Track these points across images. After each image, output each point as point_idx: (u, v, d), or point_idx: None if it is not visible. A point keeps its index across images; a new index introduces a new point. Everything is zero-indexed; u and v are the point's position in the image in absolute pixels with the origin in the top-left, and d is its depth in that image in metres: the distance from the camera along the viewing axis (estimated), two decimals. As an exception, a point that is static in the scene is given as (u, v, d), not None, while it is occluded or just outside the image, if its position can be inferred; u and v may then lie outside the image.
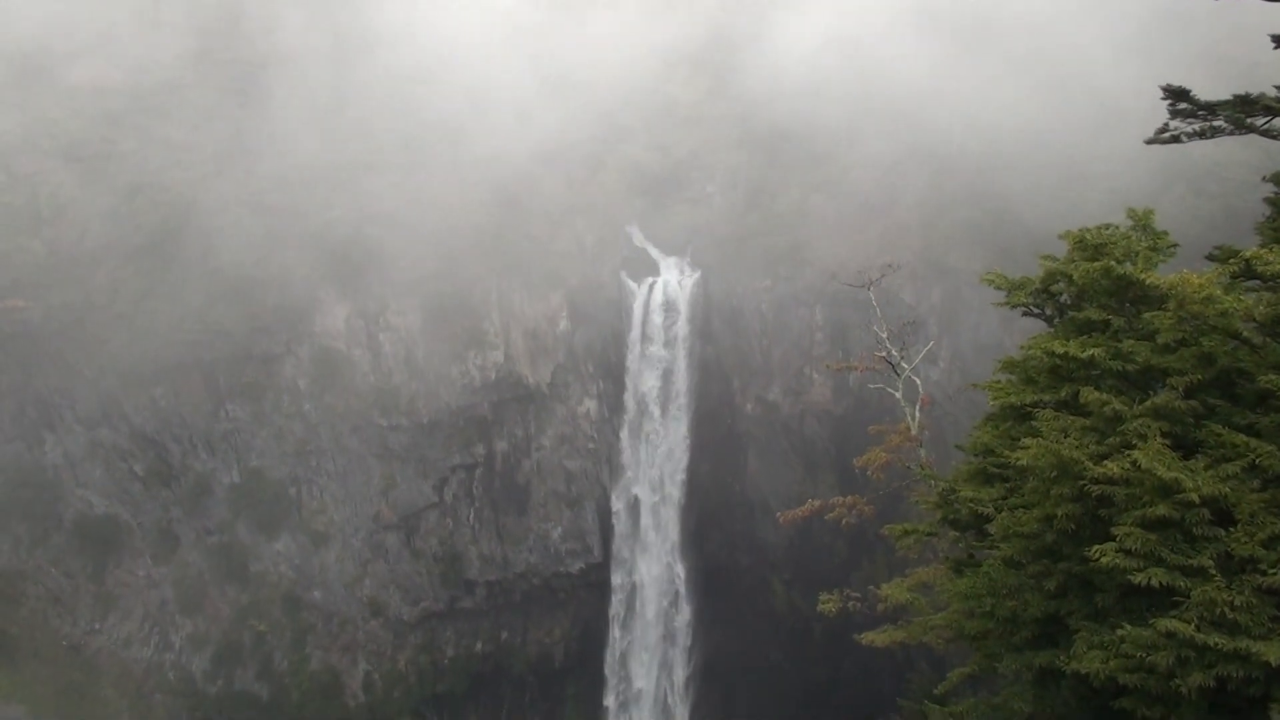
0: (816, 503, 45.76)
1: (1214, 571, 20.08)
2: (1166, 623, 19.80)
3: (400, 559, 76.33)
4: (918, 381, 45.27)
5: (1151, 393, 24.09)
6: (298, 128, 76.33)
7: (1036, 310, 30.68)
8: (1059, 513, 22.73)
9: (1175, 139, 29.17)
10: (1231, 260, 24.72)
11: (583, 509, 76.19)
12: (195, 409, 73.68)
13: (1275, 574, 19.63)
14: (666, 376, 74.38)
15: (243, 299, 72.05)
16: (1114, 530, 21.14)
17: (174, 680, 74.35)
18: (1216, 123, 28.40)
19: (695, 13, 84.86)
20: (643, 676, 76.40)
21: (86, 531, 74.17)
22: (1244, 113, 27.72)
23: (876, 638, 34.95)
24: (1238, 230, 35.15)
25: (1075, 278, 27.45)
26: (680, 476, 74.91)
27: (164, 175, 74.49)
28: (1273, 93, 27.41)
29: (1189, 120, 28.63)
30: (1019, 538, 24.05)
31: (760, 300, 72.81)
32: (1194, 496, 20.47)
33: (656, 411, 74.79)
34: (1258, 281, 24.41)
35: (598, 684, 77.02)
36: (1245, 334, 23.54)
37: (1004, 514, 24.78)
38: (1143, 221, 29.26)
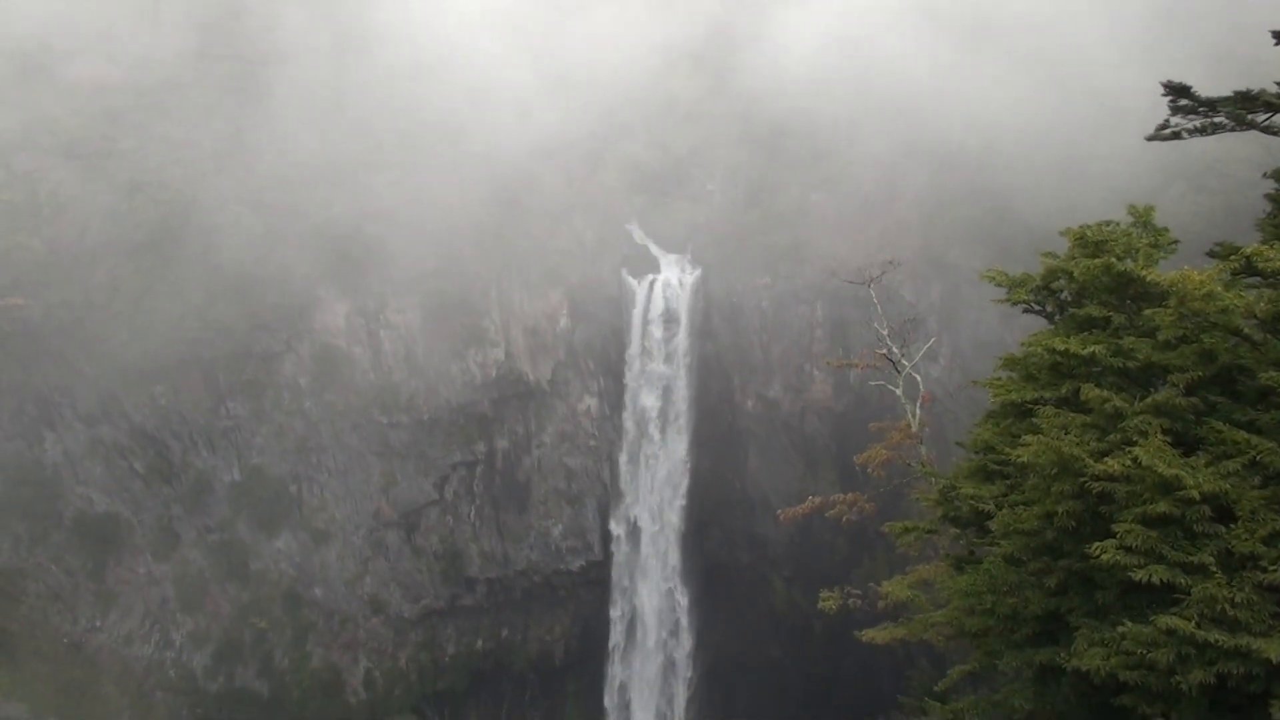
0: (817, 500, 45.81)
1: (1214, 568, 20.10)
2: (1167, 620, 19.81)
3: (401, 556, 76.34)
4: (918, 378, 45.30)
5: (1152, 390, 24.11)
6: (297, 125, 76.26)
7: (1037, 307, 30.69)
8: (1059, 510, 22.73)
9: (1176, 136, 29.17)
10: (1232, 257, 24.71)
11: (583, 506, 76.20)
12: (195, 406, 73.66)
13: (1276, 571, 19.64)
14: (666, 394, 74.28)
15: (243, 296, 72.00)
16: (1114, 527, 21.16)
17: (175, 678, 74.38)
18: (1217, 119, 28.41)
19: (696, 10, 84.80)
20: (641, 710, 76.43)
21: (87, 529, 74.17)
22: (1244, 109, 27.71)
23: (877, 635, 34.97)
24: (1238, 227, 35.08)
25: (1076, 275, 27.45)
26: (680, 502, 74.76)
27: (164, 173, 74.40)
28: (1273, 89, 27.39)
29: (1190, 117, 28.63)
30: (1019, 535, 24.05)
31: (760, 297, 72.79)
32: (1194, 493, 20.48)
33: (657, 435, 74.75)
34: (1258, 278, 24.42)
35: (598, 681, 77.05)
36: (1246, 331, 23.54)
37: (1004, 511, 24.79)
38: (1143, 218, 29.27)
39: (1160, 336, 24.09)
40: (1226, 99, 27.87)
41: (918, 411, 43.39)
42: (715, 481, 75.43)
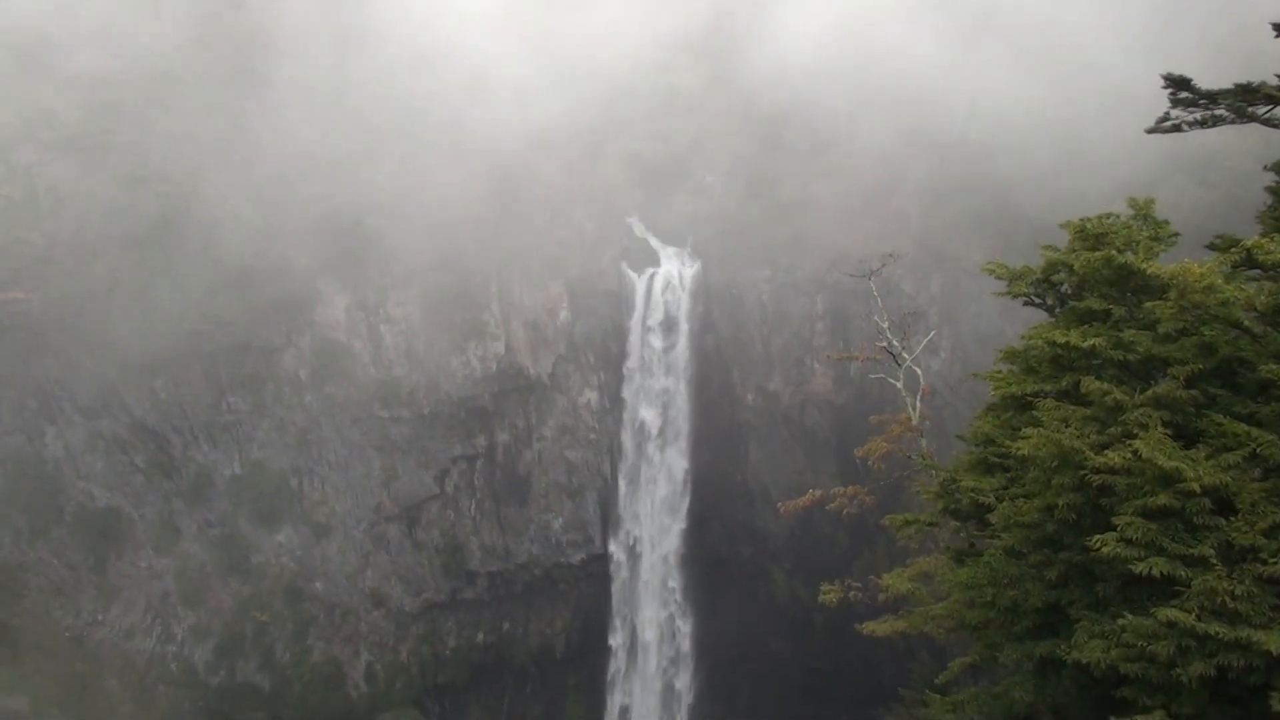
0: (817, 493, 45.94)
1: (1215, 561, 20.11)
2: (1167, 612, 19.82)
3: (402, 550, 76.42)
4: (918, 371, 45.33)
5: (1152, 382, 24.10)
6: (297, 118, 76.18)
7: (1037, 300, 30.67)
8: (1060, 502, 22.75)
9: (1176, 128, 29.15)
10: (1232, 249, 24.71)
11: (584, 499, 76.25)
12: (196, 400, 73.68)
13: (1276, 563, 19.65)
14: (665, 410, 74.29)
15: (243, 290, 71.97)
16: (1115, 520, 21.16)
17: (176, 671, 74.46)
18: (1218, 112, 28.38)
19: (696, 1, 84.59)
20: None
21: (88, 523, 74.22)
22: (1245, 101, 27.70)
23: (878, 627, 35.05)
24: (1239, 219, 35.06)
25: (1076, 267, 27.44)
26: (680, 526, 74.76)
27: (164, 166, 74.30)
28: (1274, 81, 27.37)
29: (1190, 109, 28.61)
30: (1020, 527, 24.08)
31: (761, 290, 72.80)
32: (1195, 486, 20.49)
33: (656, 455, 74.74)
34: (1259, 271, 24.40)
35: (599, 675, 77.13)
36: (1246, 323, 23.54)
37: (1005, 504, 24.81)
38: (1144, 211, 29.25)
39: (1160, 329, 24.08)
40: (1227, 91, 27.85)
41: (918, 404, 43.44)
42: (715, 475, 75.44)
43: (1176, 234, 28.99)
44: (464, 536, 76.60)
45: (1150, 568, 20.33)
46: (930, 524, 32.22)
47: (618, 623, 76.50)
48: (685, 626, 75.59)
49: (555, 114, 77.34)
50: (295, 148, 74.92)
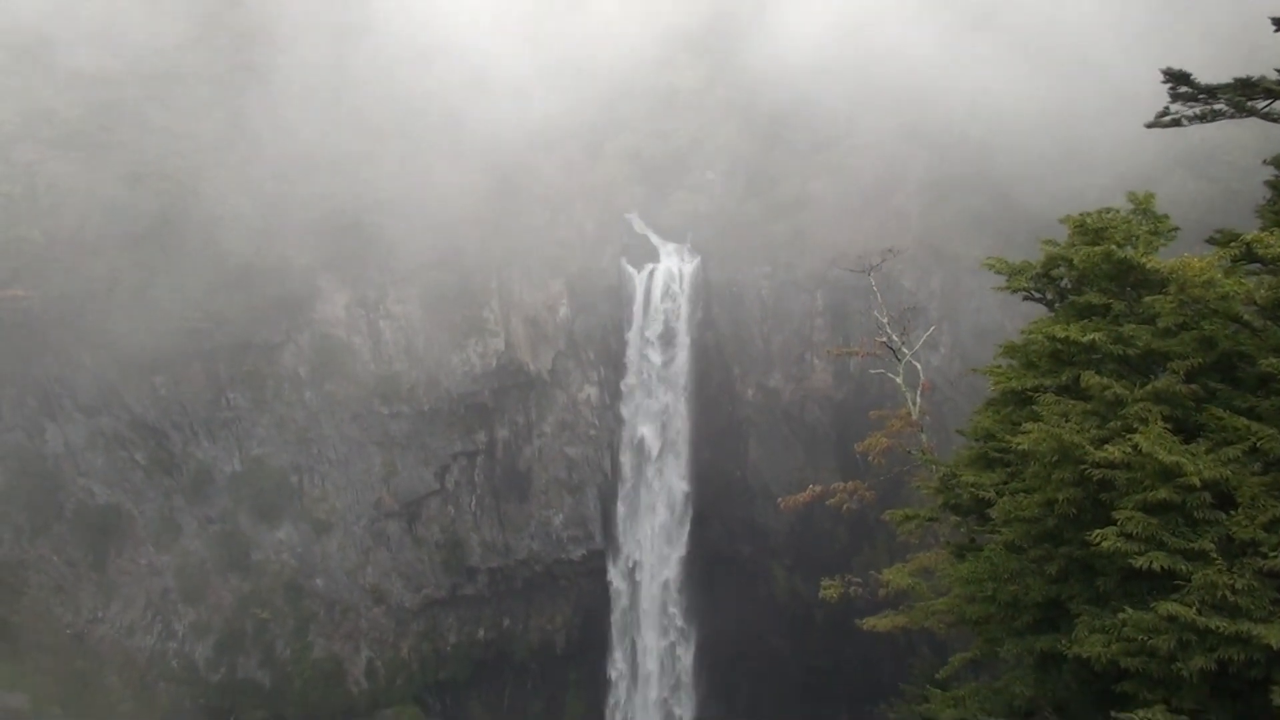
0: (817, 488, 45.89)
1: (1215, 555, 20.11)
2: (1168, 606, 19.83)
3: (402, 546, 76.44)
4: (918, 367, 45.31)
5: (1152, 377, 24.10)
6: (297, 115, 76.19)
7: (1037, 295, 30.68)
8: (1060, 497, 22.75)
9: (1176, 123, 29.16)
10: (1232, 244, 24.70)
11: (584, 495, 76.27)
12: (196, 397, 73.67)
13: (1276, 557, 19.66)
14: (665, 429, 74.21)
15: (243, 287, 71.98)
16: (1115, 514, 21.17)
17: (177, 668, 74.47)
18: (1217, 106, 28.39)
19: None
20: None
21: (88, 520, 74.20)
22: (1245, 96, 27.70)
23: (878, 623, 35.08)
24: (1239, 213, 35.07)
25: (1076, 262, 27.44)
26: (679, 553, 74.72)
27: (164, 164, 74.29)
28: (1273, 75, 27.37)
29: (1190, 104, 28.61)
30: (1020, 522, 24.08)
31: (761, 286, 72.80)
32: (1195, 480, 20.49)
33: (655, 480, 74.67)
34: (1258, 265, 24.41)
35: (600, 671, 77.16)
36: (1246, 317, 23.54)
37: (1005, 499, 24.82)
38: (1143, 205, 29.24)
39: (1160, 323, 24.08)
40: (1227, 86, 27.85)
41: (918, 399, 43.44)
42: (715, 471, 75.46)
43: (1176, 229, 28.99)
44: (464, 533, 76.63)
45: (1150, 562, 20.34)
46: (930, 519, 32.25)
47: (618, 655, 76.47)
48: (686, 657, 75.41)
49: (555, 112, 77.36)
50: (295, 146, 74.94)
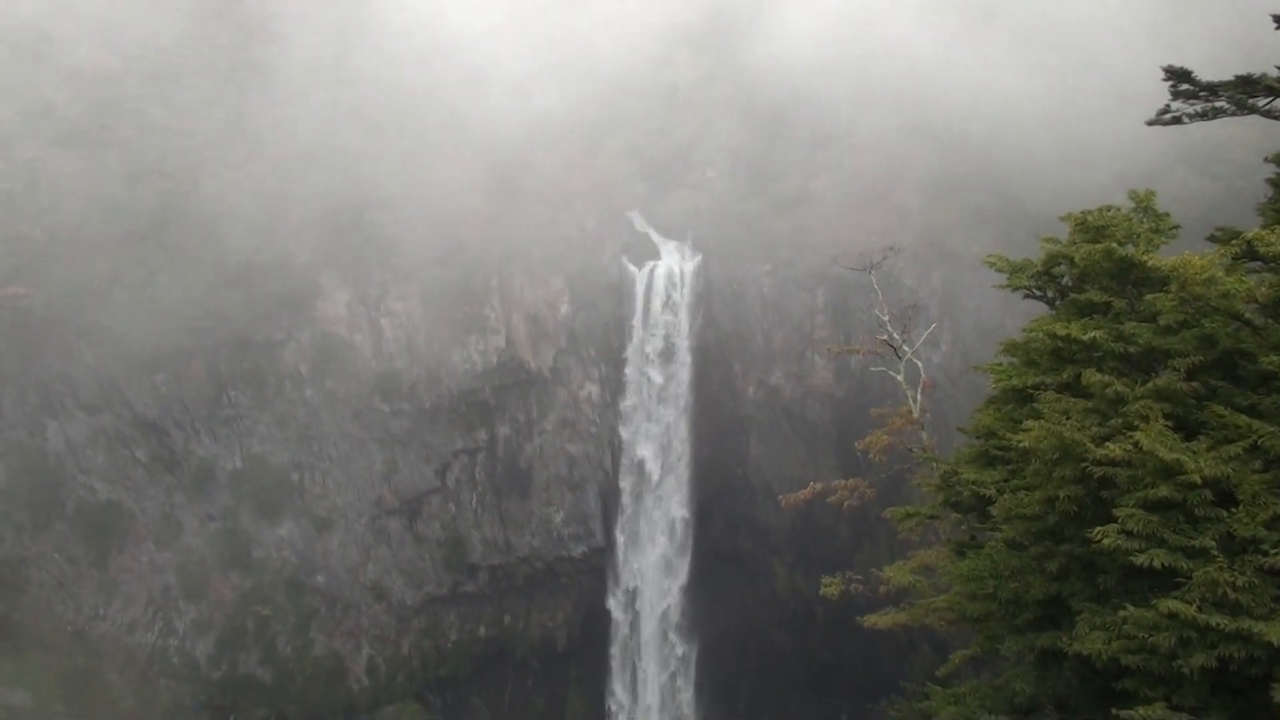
0: (818, 486, 45.94)
1: (1216, 552, 20.11)
2: (1168, 604, 19.83)
3: (403, 544, 76.48)
4: (919, 364, 45.34)
5: (1153, 374, 24.08)
6: (297, 112, 76.20)
7: (1038, 293, 30.67)
8: (1061, 495, 22.74)
9: (1177, 120, 29.16)
10: (1233, 241, 24.68)
11: (584, 493, 76.30)
12: (197, 395, 73.70)
13: (1277, 555, 19.66)
14: (665, 453, 74.16)
15: (244, 285, 72.02)
16: (1116, 512, 21.16)
17: (178, 665, 74.50)
18: (1218, 104, 28.40)
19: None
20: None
21: (89, 518, 74.22)
22: (1246, 93, 27.70)
23: (879, 620, 35.14)
24: (1239, 211, 35.08)
25: (1077, 260, 27.43)
26: (680, 582, 74.73)
27: (164, 161, 74.34)
28: (1274, 73, 27.36)
29: (1191, 101, 28.62)
30: (1021, 520, 24.08)
31: (762, 284, 72.80)
32: (1196, 478, 20.49)
33: (654, 507, 74.57)
34: (1259, 263, 24.38)
35: (601, 667, 77.20)
36: (1247, 315, 23.52)
37: (1006, 496, 24.81)
38: (1144, 203, 29.22)
39: (1161, 321, 24.07)
40: (1228, 83, 27.85)
41: (919, 397, 43.45)
42: (717, 469, 75.49)
43: (1177, 226, 28.96)
44: (465, 530, 76.67)
45: (1151, 559, 20.34)
46: (931, 517, 32.27)
47: (617, 687, 76.44)
48: (688, 690, 75.31)
49: (556, 109, 77.35)
50: (295, 143, 74.97)
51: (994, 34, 70.28)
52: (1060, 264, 29.10)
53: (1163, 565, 20.30)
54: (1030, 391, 26.44)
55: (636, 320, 73.67)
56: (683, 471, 74.24)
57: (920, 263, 66.69)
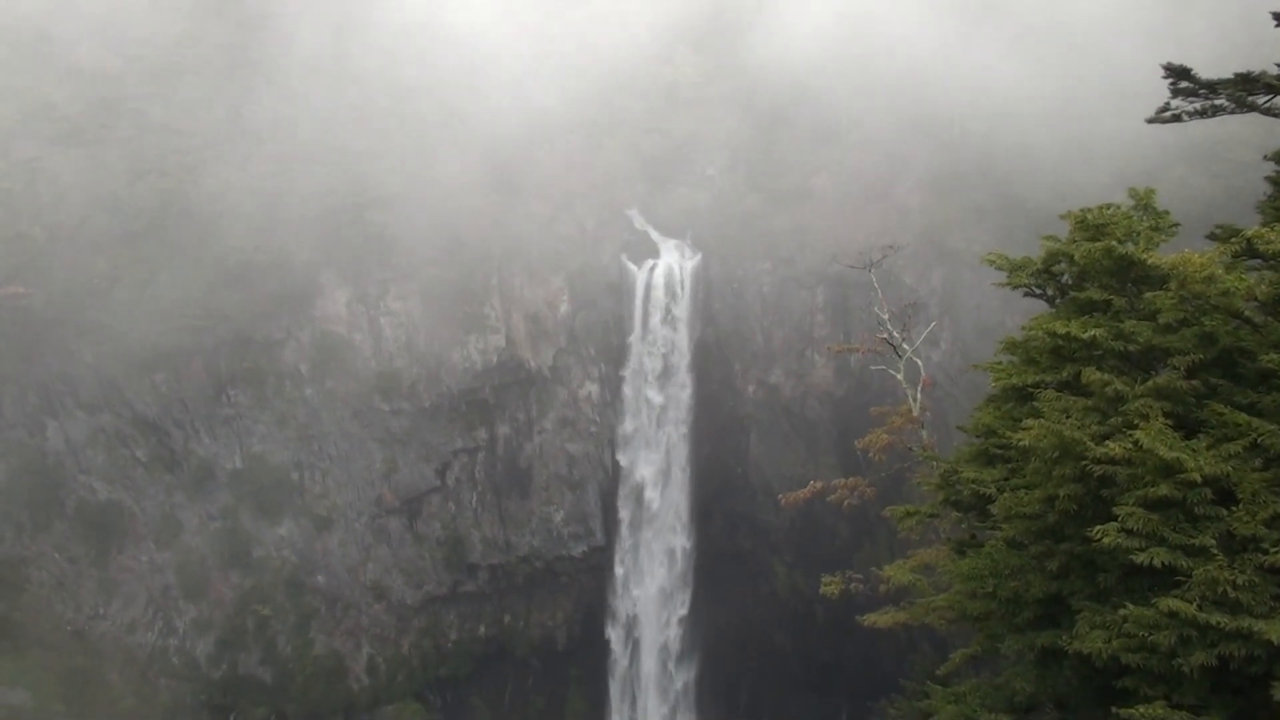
0: (818, 485, 45.92)
1: (1216, 551, 20.10)
2: (1169, 602, 19.82)
3: (403, 543, 76.44)
4: (919, 363, 45.35)
5: (1153, 373, 24.07)
6: (296, 110, 76.18)
7: (1038, 291, 30.63)
8: (1061, 493, 22.72)
9: (1176, 118, 29.15)
10: (1233, 239, 24.66)
11: (585, 492, 76.25)
12: (197, 394, 73.68)
13: (1277, 553, 19.65)
14: (666, 474, 74.10)
15: (244, 284, 72.00)
16: (1116, 510, 21.15)
17: (178, 665, 74.49)
18: (1218, 101, 28.39)
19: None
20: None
21: (89, 517, 74.22)
22: (1245, 91, 27.68)
23: (879, 619, 35.14)
24: (1239, 209, 35.05)
25: (1077, 258, 27.38)
26: (681, 613, 74.54)
27: (164, 160, 74.36)
28: (1274, 71, 27.32)
29: (1190, 99, 28.60)
30: (1021, 518, 24.06)
31: (762, 282, 72.78)
32: (1196, 476, 20.47)
33: (655, 543, 74.50)
34: (1259, 260, 24.36)
35: (601, 667, 77.18)
36: (1247, 313, 23.48)
37: (1006, 495, 24.79)
38: (1144, 201, 29.19)
39: (1161, 320, 24.03)
40: (1227, 81, 27.82)
41: (919, 396, 43.45)
42: (716, 467, 75.45)
43: (1177, 224, 28.93)
44: (465, 529, 76.62)
45: (1151, 558, 20.32)
46: (931, 515, 32.27)
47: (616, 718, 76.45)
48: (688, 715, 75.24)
49: (555, 107, 77.34)
50: (295, 141, 74.98)
51: (994, 32, 70.27)
52: (1060, 262, 29.07)
53: (1163, 564, 20.29)
54: (1030, 390, 26.41)
55: (634, 338, 73.48)
56: (683, 501, 74.09)
57: (920, 261, 66.69)
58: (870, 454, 42.94)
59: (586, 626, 78.89)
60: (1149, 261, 25.21)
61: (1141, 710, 19.83)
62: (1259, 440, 21.07)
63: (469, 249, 73.62)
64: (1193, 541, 20.32)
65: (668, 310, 73.15)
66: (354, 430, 74.61)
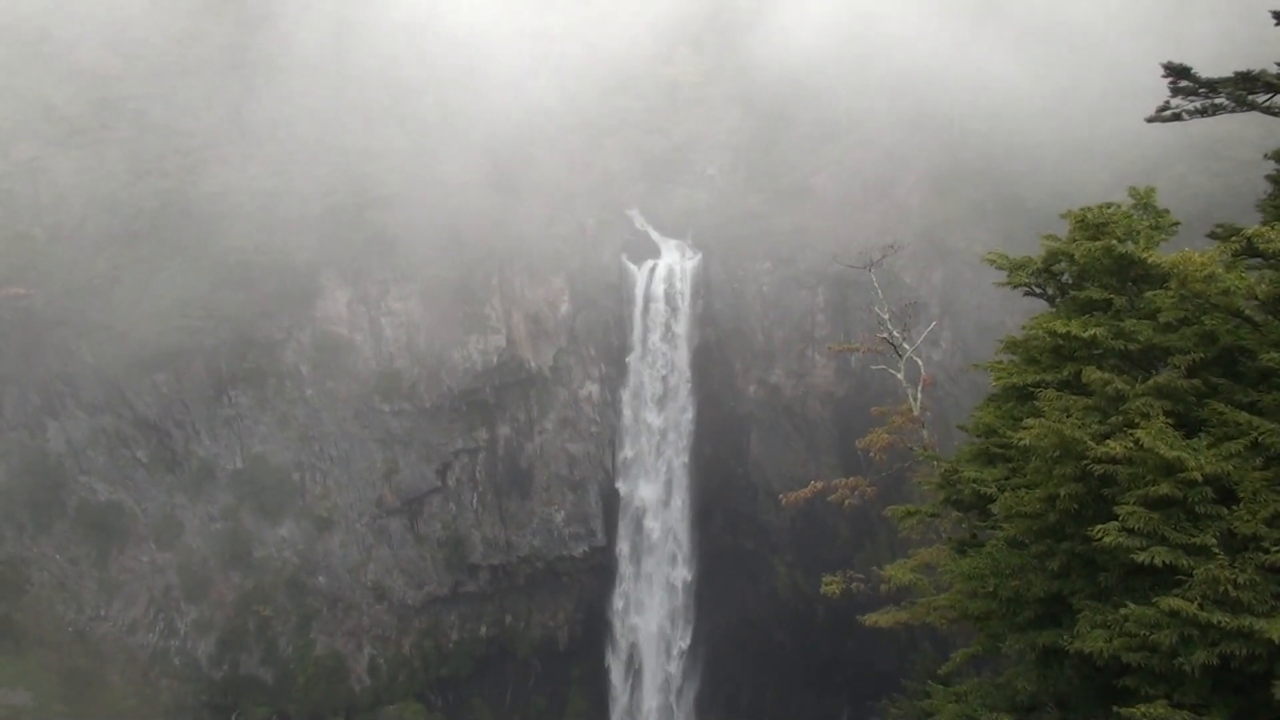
0: (819, 484, 45.91)
1: (1217, 550, 20.08)
2: (1170, 601, 19.80)
3: (404, 543, 76.41)
4: (919, 363, 45.37)
5: (1154, 371, 24.07)
6: (297, 110, 76.21)
7: (1038, 290, 30.63)
8: (1062, 492, 22.70)
9: (1176, 117, 29.12)
10: (1233, 238, 24.61)
11: (585, 492, 76.22)
12: (198, 395, 73.68)
13: (1278, 552, 19.62)
14: (667, 503, 74.08)
15: (244, 284, 72.00)
16: (1117, 509, 21.13)
17: (179, 666, 74.50)
18: (1218, 100, 28.37)
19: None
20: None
21: (90, 518, 74.24)
22: (1245, 90, 27.66)
23: (880, 619, 35.15)
24: (1239, 208, 35.05)
25: (1077, 257, 27.39)
26: (683, 644, 74.44)
27: (164, 160, 74.39)
28: (1274, 69, 27.31)
29: (1190, 98, 28.58)
30: (1022, 518, 24.04)
31: (762, 282, 72.75)
32: (1196, 475, 20.45)
33: (656, 574, 74.51)
34: (1259, 259, 24.33)
35: (601, 667, 77.18)
36: (1247, 312, 23.46)
37: (1007, 494, 24.78)
38: (1144, 200, 29.19)
39: (1161, 318, 24.02)
40: (1227, 80, 27.80)
41: (919, 395, 43.47)
42: (718, 467, 75.43)
43: (1177, 223, 28.93)
44: (466, 529, 76.60)
45: (1152, 557, 20.30)
46: (932, 515, 32.27)
47: None
48: None
49: (555, 106, 77.39)
50: (295, 141, 75.03)
51: (995, 32, 70.26)
52: (1060, 261, 29.07)
53: (1164, 563, 20.27)
54: (1031, 389, 26.40)
55: (634, 357, 73.48)
56: (684, 530, 74.08)
57: (921, 260, 66.66)
58: (871, 453, 42.96)
59: (588, 627, 78.89)
60: (1149, 260, 25.20)
61: (1143, 709, 19.81)
62: (1260, 439, 21.06)
63: (469, 249, 73.60)
64: (1194, 540, 20.30)
65: (668, 327, 72.96)
66: (355, 431, 74.60)
